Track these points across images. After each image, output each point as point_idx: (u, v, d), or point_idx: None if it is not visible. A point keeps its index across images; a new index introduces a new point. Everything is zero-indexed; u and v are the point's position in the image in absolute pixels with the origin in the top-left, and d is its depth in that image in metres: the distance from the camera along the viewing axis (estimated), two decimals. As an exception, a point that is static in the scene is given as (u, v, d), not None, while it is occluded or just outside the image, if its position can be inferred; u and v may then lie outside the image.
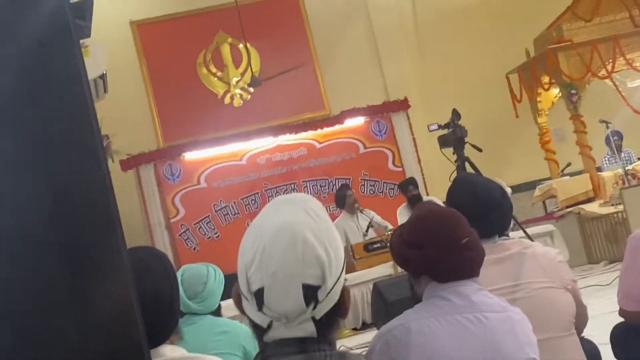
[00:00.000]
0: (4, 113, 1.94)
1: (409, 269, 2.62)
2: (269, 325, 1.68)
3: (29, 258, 1.88)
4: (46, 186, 1.92)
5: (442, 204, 9.44)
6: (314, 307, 1.66)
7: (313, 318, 1.68)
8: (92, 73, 7.37)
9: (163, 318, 2.25)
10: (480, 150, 7.94)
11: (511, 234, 8.15)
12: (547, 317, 3.37)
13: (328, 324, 1.71)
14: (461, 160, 7.68)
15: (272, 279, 1.66)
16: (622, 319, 3.94)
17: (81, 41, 7.47)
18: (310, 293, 1.67)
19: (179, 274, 3.36)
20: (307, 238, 1.68)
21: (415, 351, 2.37)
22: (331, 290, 1.68)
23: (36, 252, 1.88)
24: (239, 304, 1.74)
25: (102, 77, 7.86)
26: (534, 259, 3.43)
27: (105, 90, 8.19)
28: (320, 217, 1.74)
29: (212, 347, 3.40)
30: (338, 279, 1.71)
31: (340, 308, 1.74)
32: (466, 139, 7.78)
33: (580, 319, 3.53)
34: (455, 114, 7.83)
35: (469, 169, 7.78)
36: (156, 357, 2.17)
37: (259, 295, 1.67)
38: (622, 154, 11.12)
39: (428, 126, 8.35)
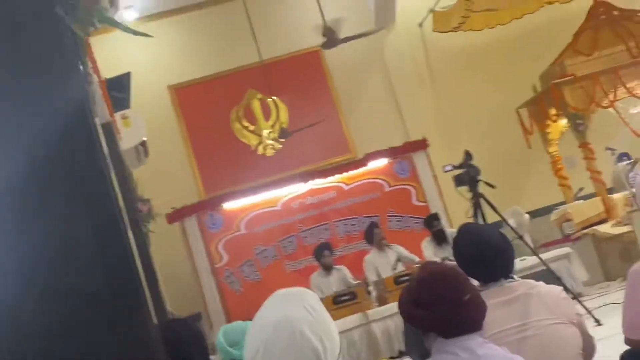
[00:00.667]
0: (30, 204, 2.04)
1: (417, 327, 2.66)
2: None
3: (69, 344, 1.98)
4: (73, 277, 2.02)
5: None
6: None
7: None
8: (133, 141, 7.52)
9: None
10: (493, 187, 7.95)
11: (530, 259, 8.24)
12: (556, 351, 3.40)
13: None
14: (476, 197, 7.72)
15: None
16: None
17: (122, 112, 7.64)
18: None
19: (221, 330, 3.45)
20: (304, 332, 1.75)
21: None
22: None
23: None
24: None
25: (143, 143, 8.01)
26: (539, 298, 3.46)
27: (146, 155, 8.33)
28: (317, 310, 1.82)
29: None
30: None
31: None
32: (479, 177, 7.82)
33: (588, 351, 3.56)
34: (467, 155, 7.88)
35: (485, 204, 7.81)
36: None
37: None
38: (631, 176, 11.03)
39: (443, 167, 8.40)
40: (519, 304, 3.44)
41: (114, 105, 7.24)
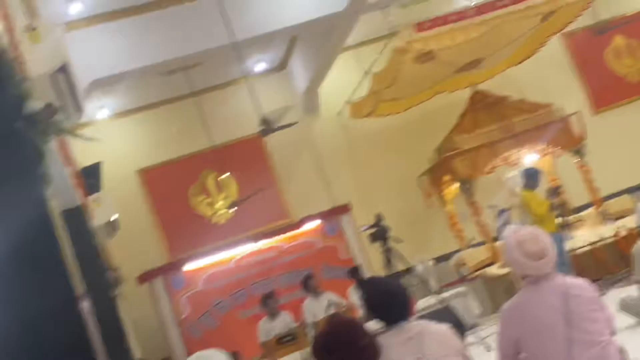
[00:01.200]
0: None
1: None
2: None
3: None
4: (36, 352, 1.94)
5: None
6: None
7: None
8: (103, 219, 7.40)
9: None
10: (401, 241, 7.99)
11: (433, 298, 8.20)
12: (447, 379, 3.39)
13: None
14: (387, 251, 7.74)
15: None
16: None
17: (93, 195, 7.52)
18: None
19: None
20: None
21: None
22: None
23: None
24: None
25: (114, 220, 7.87)
26: (430, 335, 3.46)
27: (116, 230, 8.18)
28: None
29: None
30: None
31: None
32: (389, 234, 7.85)
33: (469, 376, 3.56)
34: (378, 217, 7.93)
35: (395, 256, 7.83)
36: None
37: None
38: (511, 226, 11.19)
39: (360, 228, 8.42)
40: (415, 341, 3.43)
41: (88, 190, 7.14)
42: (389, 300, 3.52)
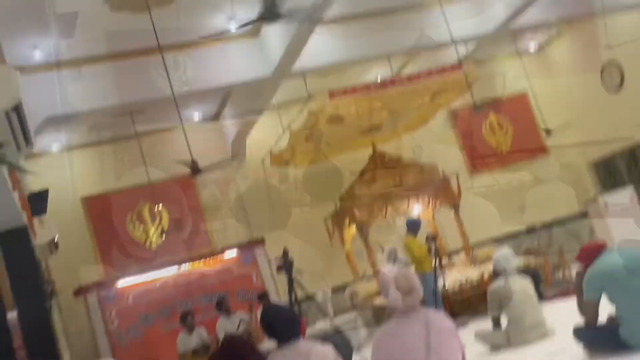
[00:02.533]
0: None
1: None
2: None
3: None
4: None
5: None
6: None
7: None
8: (45, 238, 7.33)
9: None
10: (302, 273, 8.20)
11: (325, 322, 8.37)
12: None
13: None
14: (290, 281, 7.94)
15: None
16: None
17: (39, 216, 7.44)
18: None
19: None
20: None
21: None
22: None
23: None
24: None
25: (54, 240, 7.80)
26: (316, 354, 3.64)
27: (56, 248, 8.10)
28: None
29: None
30: None
31: None
32: (293, 267, 8.04)
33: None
34: (285, 253, 8.14)
35: (296, 284, 8.04)
36: None
37: None
38: (399, 262, 11.56)
39: (272, 261, 8.58)
40: (303, 358, 3.59)
41: (33, 212, 7.09)
42: (282, 323, 3.70)
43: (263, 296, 10.41)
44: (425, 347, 3.55)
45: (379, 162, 12.34)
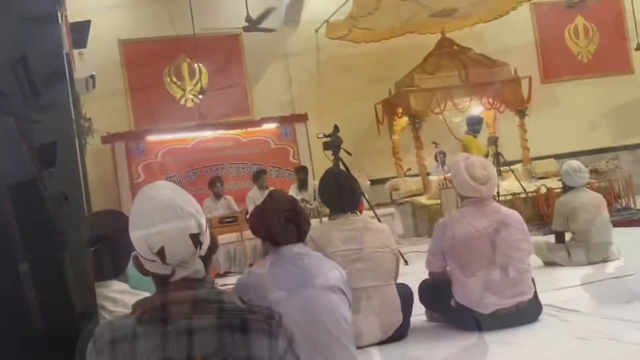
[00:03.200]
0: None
1: (257, 235, 2.67)
2: (173, 271, 1.61)
3: None
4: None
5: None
6: (200, 248, 1.63)
7: (200, 257, 1.64)
8: (84, 73, 7.06)
9: (113, 261, 2.13)
10: (350, 154, 7.88)
11: (365, 212, 8.24)
12: (378, 271, 3.43)
13: (208, 259, 1.67)
14: (336, 160, 7.65)
15: (168, 237, 1.60)
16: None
17: (79, 50, 7.15)
18: (195, 239, 1.63)
19: None
20: (179, 204, 1.64)
21: (254, 288, 2.40)
22: (205, 232, 1.66)
23: None
24: (141, 268, 1.67)
25: (92, 77, 7.51)
26: (372, 231, 3.48)
27: (93, 87, 7.83)
28: (178, 189, 1.70)
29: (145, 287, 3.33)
30: (206, 225, 1.68)
31: (213, 244, 1.71)
32: (341, 146, 7.73)
33: (397, 272, 3.60)
34: (336, 128, 7.78)
35: (342, 166, 7.75)
36: (104, 287, 2.11)
37: (161, 253, 1.60)
38: (445, 167, 11.24)
39: (317, 134, 8.28)
40: (358, 233, 3.47)
41: (74, 43, 6.77)
42: (339, 190, 3.50)
43: (299, 170, 10.21)
44: (490, 243, 3.43)
45: (445, 50, 11.62)
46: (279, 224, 2.51)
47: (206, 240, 1.66)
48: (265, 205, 2.62)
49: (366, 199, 8.00)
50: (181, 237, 1.61)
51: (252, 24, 9.31)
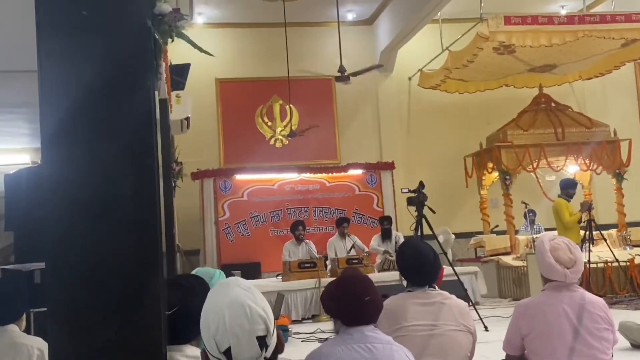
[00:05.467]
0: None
1: (328, 314, 2.64)
2: None
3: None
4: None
5: (402, 238, 9.51)
6: (266, 350, 1.71)
7: (265, 358, 1.73)
8: (180, 115, 7.38)
9: (189, 325, 2.15)
10: (434, 212, 7.84)
11: (447, 269, 8.19)
12: (453, 351, 3.40)
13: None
14: (419, 217, 7.66)
15: (236, 338, 1.69)
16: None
17: (177, 92, 7.52)
18: (262, 341, 1.71)
19: (193, 271, 3.28)
20: (250, 305, 1.71)
21: None
22: (273, 335, 1.74)
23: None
24: None
25: (187, 118, 7.89)
26: (449, 307, 3.45)
27: (188, 127, 8.20)
28: (251, 289, 1.78)
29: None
30: (274, 326, 1.75)
31: (278, 346, 1.77)
32: (426, 203, 7.74)
33: (473, 352, 3.57)
34: (421, 184, 7.81)
35: (425, 223, 7.74)
36: (177, 351, 2.15)
37: (227, 353, 1.68)
38: (534, 226, 11.04)
39: (401, 189, 8.33)
40: (434, 308, 3.42)
41: (172, 86, 7.15)
42: (419, 264, 3.50)
43: (383, 220, 10.25)
44: (572, 331, 3.34)
45: (542, 106, 11.47)
46: (351, 306, 2.55)
47: (272, 343, 1.72)
48: (339, 283, 2.66)
49: (447, 257, 7.95)
50: (248, 338, 1.67)
51: (344, 74, 9.56)
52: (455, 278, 7.97)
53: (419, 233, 7.57)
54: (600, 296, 8.20)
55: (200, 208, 11.23)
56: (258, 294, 1.77)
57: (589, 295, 3.44)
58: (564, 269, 3.36)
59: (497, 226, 11.43)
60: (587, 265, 8.93)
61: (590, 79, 12.15)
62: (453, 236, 11.15)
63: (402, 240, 9.37)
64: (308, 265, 9.12)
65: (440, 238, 10.14)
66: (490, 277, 10.20)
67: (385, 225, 10.10)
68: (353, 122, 12.95)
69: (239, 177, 11.45)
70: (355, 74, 10.11)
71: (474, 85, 12.19)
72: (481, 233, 11.65)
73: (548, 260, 3.39)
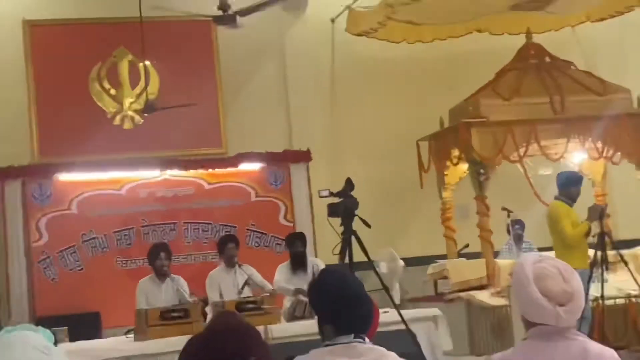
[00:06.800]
0: None
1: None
2: None
3: None
4: None
5: (323, 267, 9.48)
6: None
7: None
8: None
9: None
10: (369, 226, 7.83)
11: (392, 312, 8.22)
12: None
13: None
14: (348, 232, 7.63)
15: None
16: None
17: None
18: None
19: None
20: None
21: None
22: None
23: None
24: None
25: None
26: None
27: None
28: (50, 348, 1.84)
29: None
30: None
31: None
32: (356, 212, 7.72)
33: None
34: (349, 184, 7.78)
35: (357, 243, 7.73)
36: None
37: None
38: (522, 245, 11.21)
39: (318, 191, 8.29)
40: None
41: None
42: (347, 309, 3.49)
43: (293, 239, 10.15)
44: None
45: (531, 63, 11.75)
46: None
47: None
48: (203, 339, 2.63)
49: (390, 296, 7.98)
50: None
51: (229, 14, 9.49)
52: (403, 327, 7.99)
53: (347, 259, 7.54)
54: (619, 349, 8.46)
55: (1, 226, 10.93)
56: (58, 354, 1.85)
57: (595, 347, 3.48)
58: (555, 306, 3.39)
59: (467, 246, 11.67)
60: (600, 301, 9.17)
61: (603, 19, 12.47)
62: (402, 263, 11.21)
63: (322, 270, 9.35)
64: (176, 314, 8.93)
65: (381, 267, 10.17)
66: (457, 324, 10.31)
67: (296, 247, 10.05)
68: (246, 90, 12.84)
69: (64, 177, 11.24)
70: (245, 12, 10.03)
71: (431, 31, 12.37)
72: (444, 257, 11.83)
73: (531, 294, 3.41)
